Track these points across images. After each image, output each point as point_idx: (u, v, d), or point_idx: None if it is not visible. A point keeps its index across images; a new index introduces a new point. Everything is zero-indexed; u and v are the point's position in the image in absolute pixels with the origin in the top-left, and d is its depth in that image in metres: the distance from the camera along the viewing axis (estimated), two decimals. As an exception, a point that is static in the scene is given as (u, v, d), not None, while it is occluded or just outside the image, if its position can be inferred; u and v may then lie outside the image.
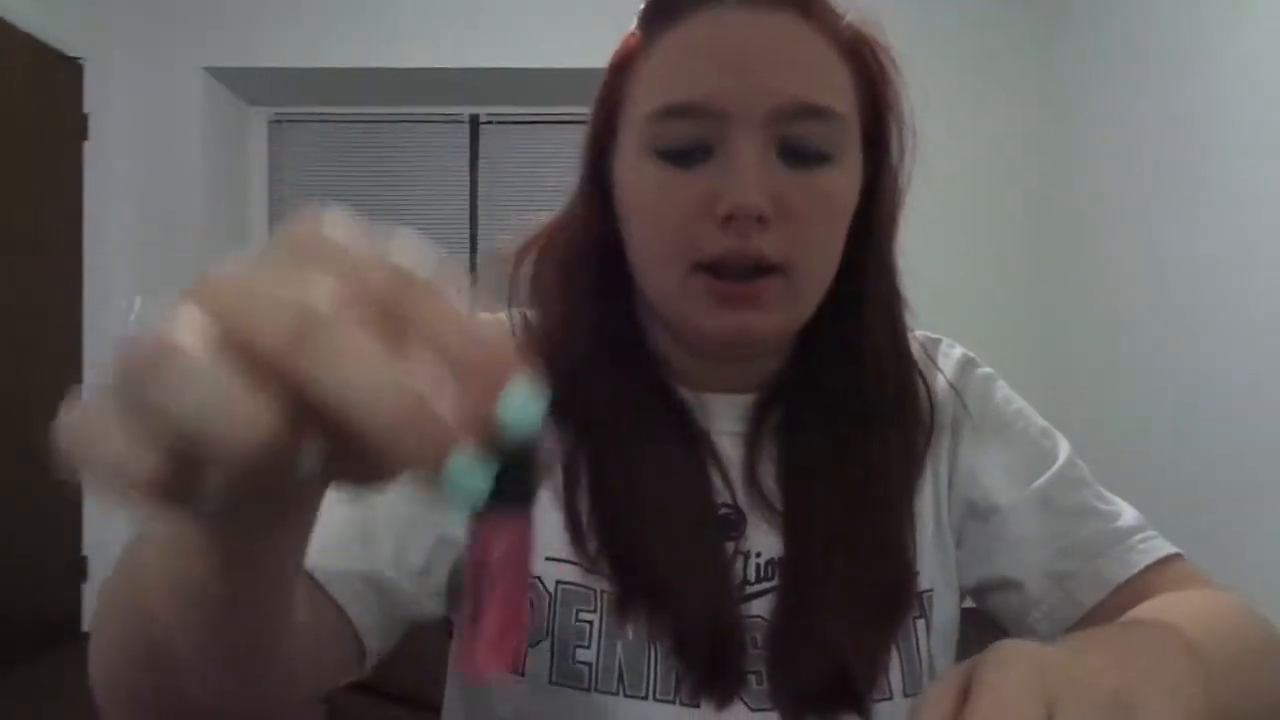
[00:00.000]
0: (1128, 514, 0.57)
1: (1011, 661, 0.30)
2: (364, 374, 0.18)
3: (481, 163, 3.95)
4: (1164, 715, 0.29)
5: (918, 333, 0.65)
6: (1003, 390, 0.63)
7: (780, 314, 0.52)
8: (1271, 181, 2.39)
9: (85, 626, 3.27)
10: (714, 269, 0.50)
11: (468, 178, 3.96)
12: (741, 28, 0.51)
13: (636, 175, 0.53)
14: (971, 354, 0.65)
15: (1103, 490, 0.59)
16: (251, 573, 0.29)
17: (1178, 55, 2.82)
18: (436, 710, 0.62)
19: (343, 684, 0.49)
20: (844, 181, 0.53)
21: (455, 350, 0.20)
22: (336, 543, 0.48)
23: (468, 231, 3.95)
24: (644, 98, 0.53)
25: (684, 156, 0.51)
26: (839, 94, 0.52)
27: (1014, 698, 0.29)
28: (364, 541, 0.50)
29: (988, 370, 0.65)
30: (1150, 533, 0.56)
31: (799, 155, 0.51)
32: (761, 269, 0.50)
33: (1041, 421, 0.62)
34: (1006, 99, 3.56)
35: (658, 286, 0.54)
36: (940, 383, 0.62)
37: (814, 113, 0.51)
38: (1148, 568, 0.53)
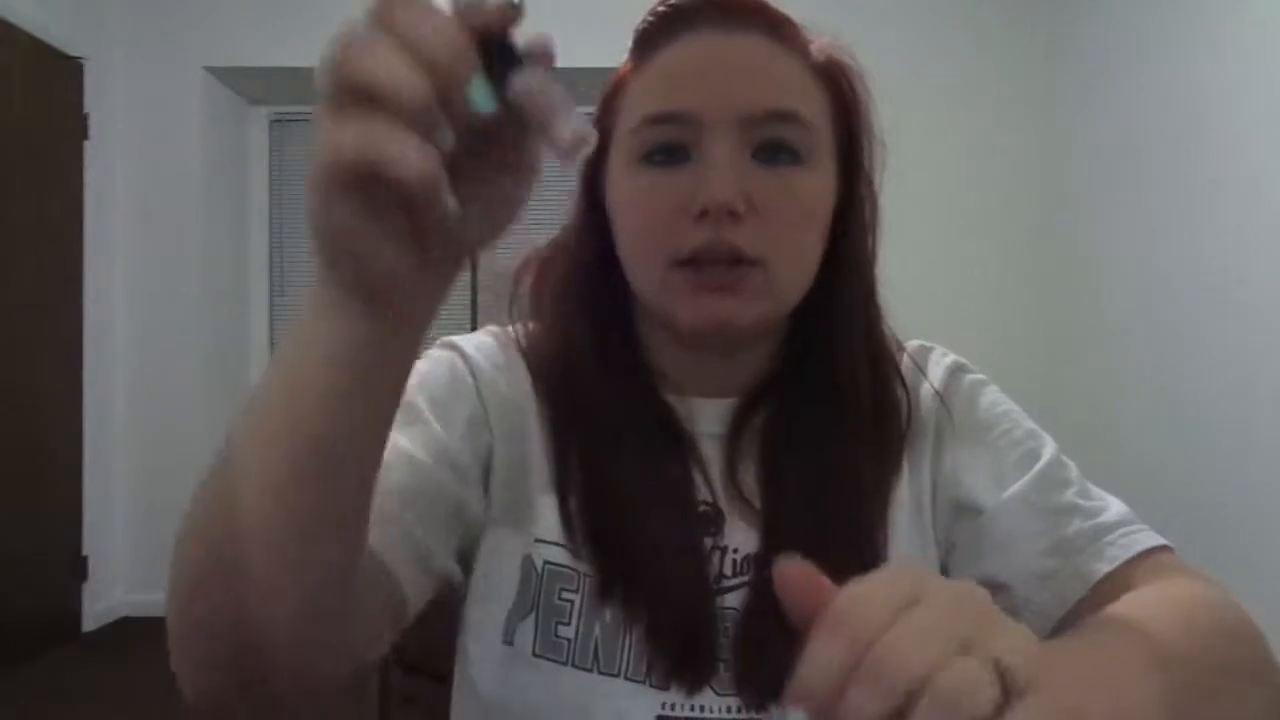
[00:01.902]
0: (1113, 509, 0.57)
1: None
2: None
3: (481, 162, 3.95)
4: None
5: (911, 343, 0.67)
6: (990, 395, 0.64)
7: (757, 305, 0.56)
8: (1272, 183, 2.39)
9: (85, 626, 3.28)
10: (693, 263, 0.54)
11: (468, 177, 3.95)
12: (717, 47, 0.57)
13: (623, 181, 0.58)
14: (963, 361, 0.67)
15: (1090, 488, 0.59)
16: (366, 378, 0.36)
17: (1178, 58, 2.82)
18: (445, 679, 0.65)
19: (389, 643, 0.51)
20: (816, 184, 0.57)
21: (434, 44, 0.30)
22: (376, 510, 0.50)
23: (468, 231, 3.95)
24: (630, 114, 0.58)
25: (665, 159, 0.56)
26: (809, 104, 0.57)
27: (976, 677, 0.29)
28: (401, 507, 0.52)
29: (977, 376, 0.66)
30: (1134, 526, 0.56)
31: (771, 153, 0.55)
32: (738, 261, 0.54)
33: (1028, 424, 0.63)
34: (1008, 100, 3.56)
35: (642, 281, 0.59)
36: (926, 389, 0.64)
37: (784, 117, 0.55)
38: (1128, 561, 0.54)
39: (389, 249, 0.32)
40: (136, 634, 3.22)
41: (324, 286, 0.35)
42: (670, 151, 0.56)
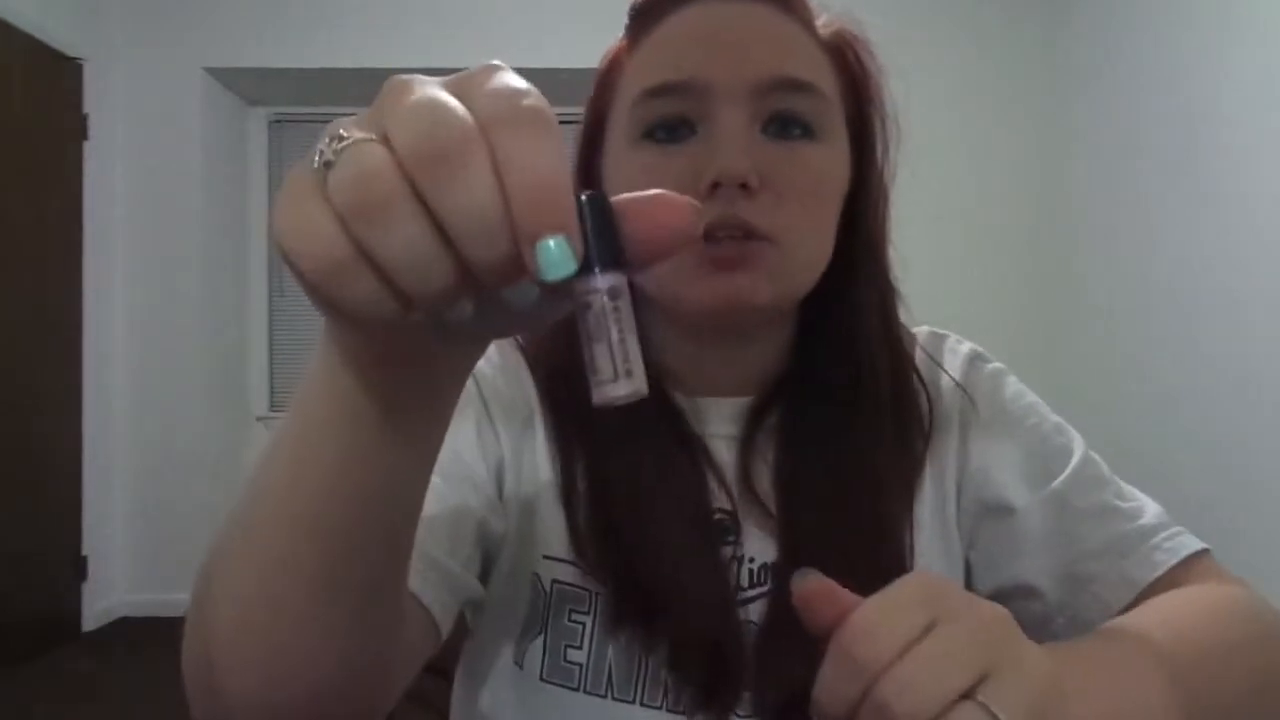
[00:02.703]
0: (1150, 511, 0.55)
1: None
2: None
3: (481, 163, 3.95)
4: None
5: (922, 328, 0.64)
6: (1013, 385, 0.61)
7: (770, 284, 0.51)
8: (1272, 180, 2.39)
9: (85, 626, 3.28)
10: (704, 239, 0.50)
11: (468, 178, 3.95)
12: (721, 16, 0.53)
13: (625, 160, 0.54)
14: (980, 349, 0.64)
15: (1122, 486, 0.57)
16: (396, 453, 0.32)
17: (1179, 52, 2.82)
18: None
19: (419, 669, 0.49)
20: (830, 159, 0.54)
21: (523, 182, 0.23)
22: None
23: (468, 231, 3.94)
24: (630, 89, 0.54)
25: (670, 134, 0.52)
26: (820, 74, 0.54)
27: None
28: (427, 531, 0.49)
29: (997, 365, 0.63)
30: (1174, 529, 0.54)
31: (783, 126, 0.52)
32: (750, 236, 0.50)
33: (1054, 417, 0.60)
34: (1009, 97, 3.56)
35: None
36: (945, 380, 0.61)
37: (796, 86, 0.52)
38: (1173, 567, 0.52)
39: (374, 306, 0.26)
40: (136, 634, 3.22)
41: (322, 341, 0.31)
42: (674, 128, 0.52)
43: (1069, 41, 3.45)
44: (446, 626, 0.49)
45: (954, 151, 3.47)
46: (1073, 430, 0.60)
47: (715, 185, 0.49)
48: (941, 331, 0.65)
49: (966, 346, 0.63)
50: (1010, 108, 3.56)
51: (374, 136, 0.24)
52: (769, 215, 0.50)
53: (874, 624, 0.31)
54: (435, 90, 0.25)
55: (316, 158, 0.25)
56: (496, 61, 0.26)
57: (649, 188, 0.51)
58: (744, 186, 0.49)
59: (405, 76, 0.25)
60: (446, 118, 0.23)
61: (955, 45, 3.53)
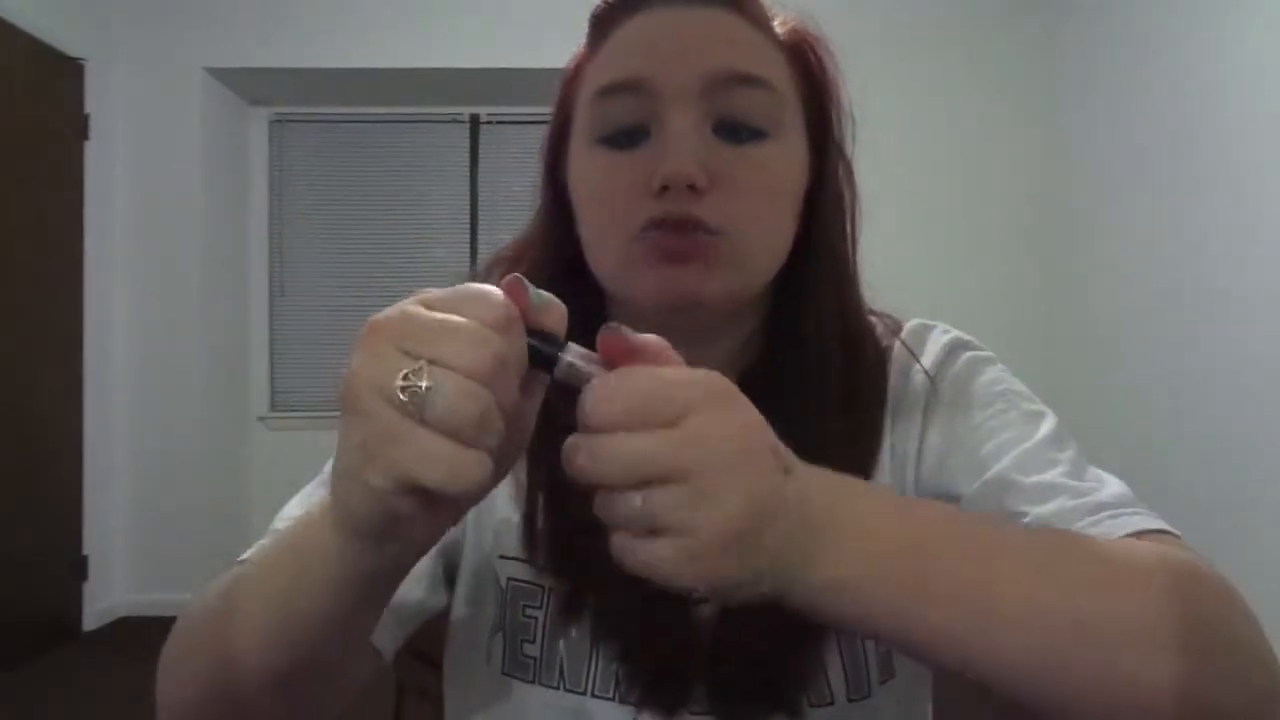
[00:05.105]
0: (1108, 490, 0.49)
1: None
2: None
3: (481, 163, 3.95)
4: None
5: (911, 321, 0.63)
6: (988, 374, 0.58)
7: (722, 276, 0.51)
8: (1273, 180, 2.39)
9: (85, 626, 3.28)
10: (653, 231, 0.51)
11: (468, 178, 3.96)
12: (674, 19, 0.54)
13: (582, 163, 0.56)
14: (965, 338, 0.62)
15: (1088, 469, 0.51)
16: (369, 596, 0.40)
17: (1179, 52, 2.82)
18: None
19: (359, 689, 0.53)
20: (783, 157, 0.54)
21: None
22: None
23: (468, 231, 3.95)
24: (587, 91, 0.55)
25: (624, 140, 0.53)
26: (773, 69, 0.54)
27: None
28: None
29: (978, 354, 0.60)
30: (1127, 509, 0.47)
31: (735, 129, 0.52)
32: (700, 230, 0.51)
33: (1029, 405, 0.56)
34: (1008, 98, 3.56)
35: (603, 262, 0.55)
36: (917, 370, 0.59)
37: (747, 81, 0.52)
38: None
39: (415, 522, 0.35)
40: (136, 634, 3.22)
41: (336, 525, 0.37)
42: (630, 134, 0.53)
43: (1068, 42, 3.45)
44: (389, 650, 0.54)
45: (953, 152, 3.48)
46: (1047, 416, 0.55)
47: (665, 187, 0.50)
48: (930, 322, 0.63)
49: (949, 336, 0.61)
50: (1009, 108, 3.56)
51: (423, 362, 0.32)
52: (717, 211, 0.50)
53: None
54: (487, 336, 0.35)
55: (399, 401, 0.32)
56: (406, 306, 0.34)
57: (606, 190, 0.55)
58: (692, 188, 0.50)
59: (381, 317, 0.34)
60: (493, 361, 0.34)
61: (955, 46, 3.53)
